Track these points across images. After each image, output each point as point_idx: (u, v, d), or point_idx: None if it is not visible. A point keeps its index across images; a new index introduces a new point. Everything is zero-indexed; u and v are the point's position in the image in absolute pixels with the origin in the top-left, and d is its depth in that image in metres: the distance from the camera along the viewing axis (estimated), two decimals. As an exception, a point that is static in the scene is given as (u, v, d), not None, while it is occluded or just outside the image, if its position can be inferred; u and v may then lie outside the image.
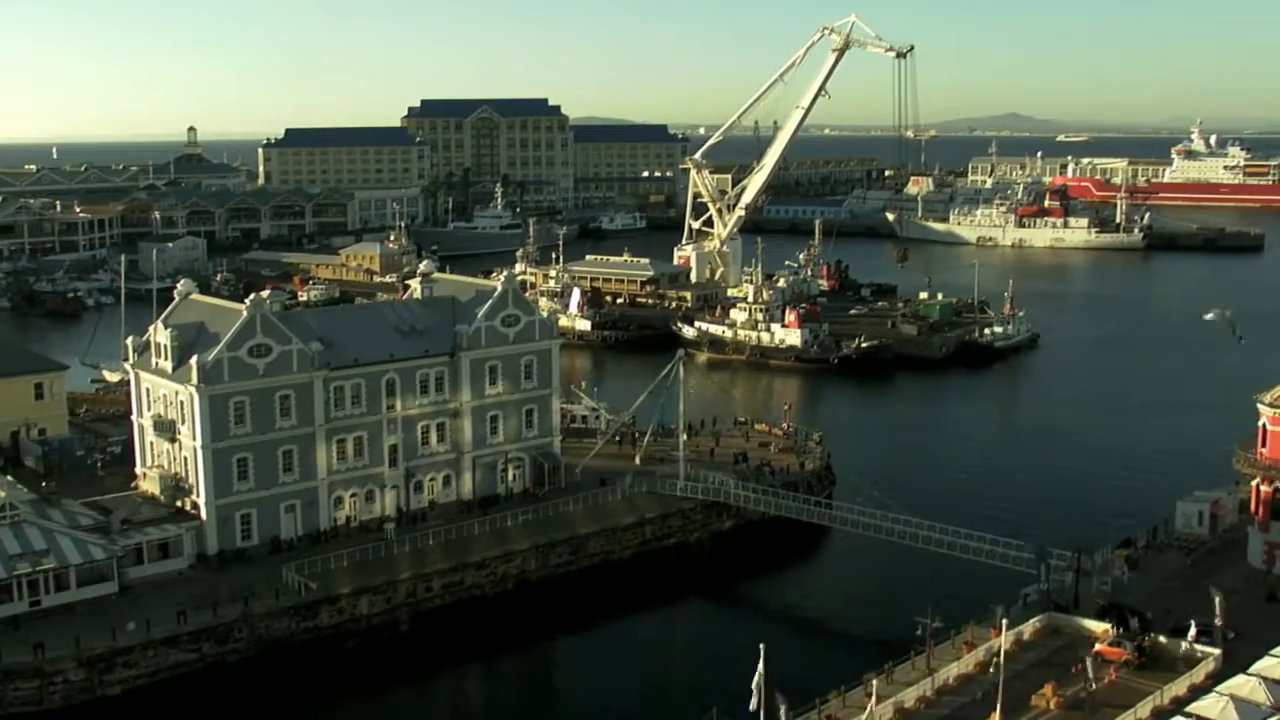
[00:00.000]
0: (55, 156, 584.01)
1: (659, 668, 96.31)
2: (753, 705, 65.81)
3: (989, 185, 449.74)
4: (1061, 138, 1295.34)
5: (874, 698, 74.25)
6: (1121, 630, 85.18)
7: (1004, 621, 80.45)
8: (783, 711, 70.03)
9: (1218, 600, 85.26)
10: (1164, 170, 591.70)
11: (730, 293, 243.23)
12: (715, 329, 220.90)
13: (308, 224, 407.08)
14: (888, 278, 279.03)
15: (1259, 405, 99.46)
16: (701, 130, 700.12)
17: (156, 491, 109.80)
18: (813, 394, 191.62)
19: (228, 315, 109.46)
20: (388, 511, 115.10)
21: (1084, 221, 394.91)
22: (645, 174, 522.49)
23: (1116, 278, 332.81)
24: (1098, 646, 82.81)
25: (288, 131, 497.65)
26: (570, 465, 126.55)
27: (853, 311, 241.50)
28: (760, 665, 65.71)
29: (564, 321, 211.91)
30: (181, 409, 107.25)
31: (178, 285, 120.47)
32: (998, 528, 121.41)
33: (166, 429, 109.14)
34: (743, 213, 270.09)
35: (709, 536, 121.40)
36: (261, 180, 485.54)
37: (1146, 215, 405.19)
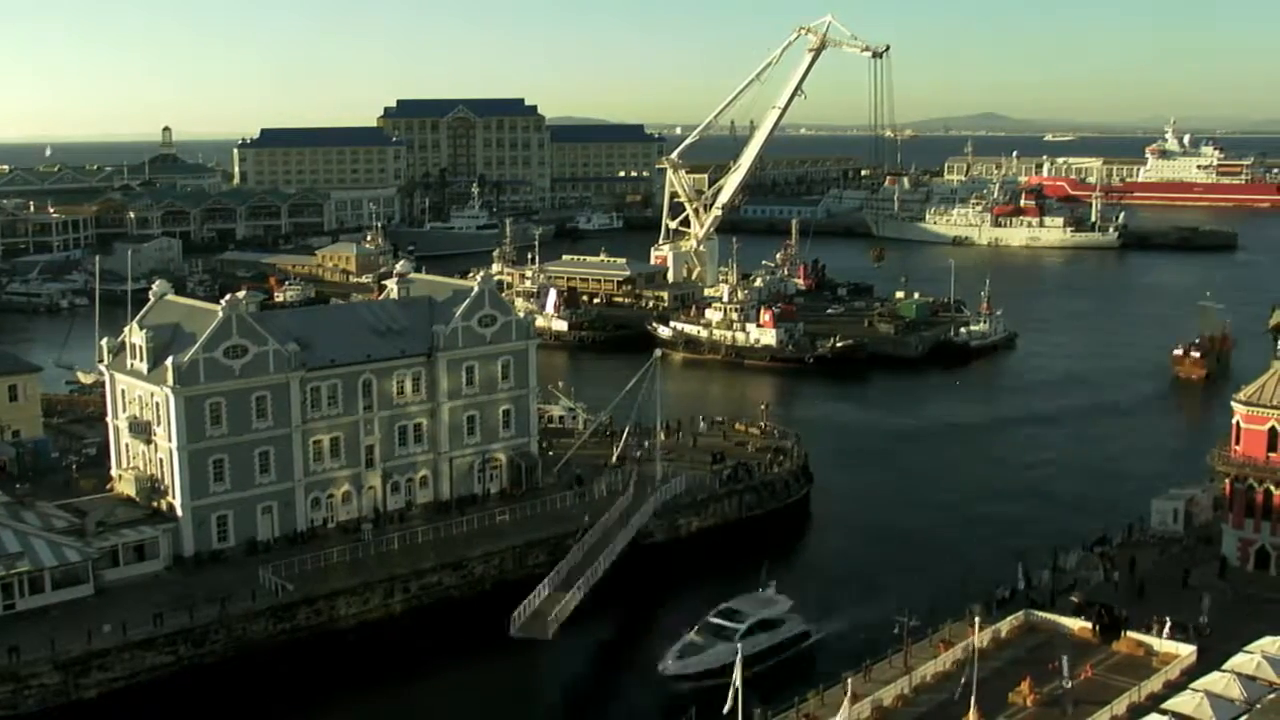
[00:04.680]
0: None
1: (637, 668, 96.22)
2: (727, 709, 65.66)
3: (961, 184, 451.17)
4: (1049, 137, 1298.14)
5: (851, 696, 74.42)
6: (1099, 629, 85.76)
7: (977, 620, 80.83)
8: (759, 714, 70.12)
9: (1205, 599, 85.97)
10: (1139, 170, 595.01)
11: (707, 292, 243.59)
12: (690, 329, 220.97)
13: (284, 224, 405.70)
14: (864, 277, 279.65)
15: (1233, 403, 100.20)
16: (678, 130, 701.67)
17: (132, 493, 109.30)
18: (789, 393, 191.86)
19: (203, 316, 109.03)
20: (365, 512, 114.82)
21: (1060, 221, 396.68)
22: (622, 174, 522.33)
23: (1092, 276, 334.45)
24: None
25: (263, 132, 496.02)
26: (548, 465, 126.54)
27: (829, 311, 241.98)
28: (738, 659, 65.69)
29: (541, 322, 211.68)
30: (157, 410, 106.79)
31: (153, 286, 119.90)
32: (975, 526, 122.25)
33: (142, 430, 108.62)
34: (719, 212, 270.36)
35: (687, 535, 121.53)
36: (237, 180, 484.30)
37: (1121, 215, 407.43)
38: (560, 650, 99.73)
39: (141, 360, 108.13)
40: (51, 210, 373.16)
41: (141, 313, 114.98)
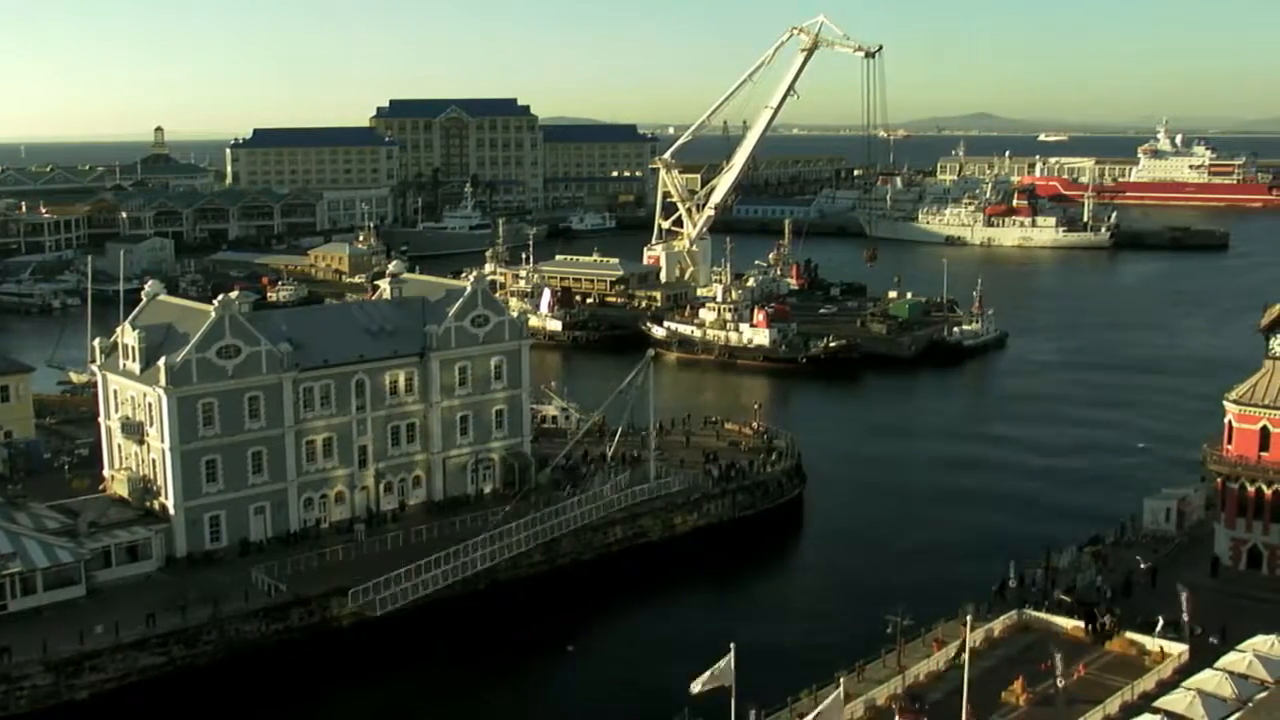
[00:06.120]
0: (23, 155, 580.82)
1: (629, 668, 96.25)
2: (695, 689, 65.55)
3: (954, 183, 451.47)
4: (1043, 137, 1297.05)
5: (844, 695, 74.40)
6: (1091, 627, 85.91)
7: (969, 619, 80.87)
8: (753, 714, 70.04)
9: (1184, 597, 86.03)
10: (1131, 169, 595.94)
11: (700, 292, 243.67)
12: (684, 329, 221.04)
13: (276, 224, 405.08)
14: (857, 277, 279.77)
15: (1225, 403, 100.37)
16: (671, 130, 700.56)
17: (125, 494, 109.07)
18: (782, 393, 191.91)
19: (196, 316, 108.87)
20: (357, 513, 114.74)
21: (1052, 220, 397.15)
22: (615, 174, 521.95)
23: (1084, 276, 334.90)
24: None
25: (256, 132, 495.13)
26: (540, 465, 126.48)
27: (822, 311, 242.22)
28: (729, 659, 65.60)
29: (534, 322, 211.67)
30: (150, 411, 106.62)
31: (145, 286, 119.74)
32: (967, 525, 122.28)
33: (134, 431, 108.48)
34: (712, 212, 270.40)
35: (680, 535, 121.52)
36: (229, 181, 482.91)
37: (1114, 214, 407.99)
38: (555, 649, 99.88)
39: (134, 361, 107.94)
40: (44, 210, 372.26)
41: (134, 313, 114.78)
